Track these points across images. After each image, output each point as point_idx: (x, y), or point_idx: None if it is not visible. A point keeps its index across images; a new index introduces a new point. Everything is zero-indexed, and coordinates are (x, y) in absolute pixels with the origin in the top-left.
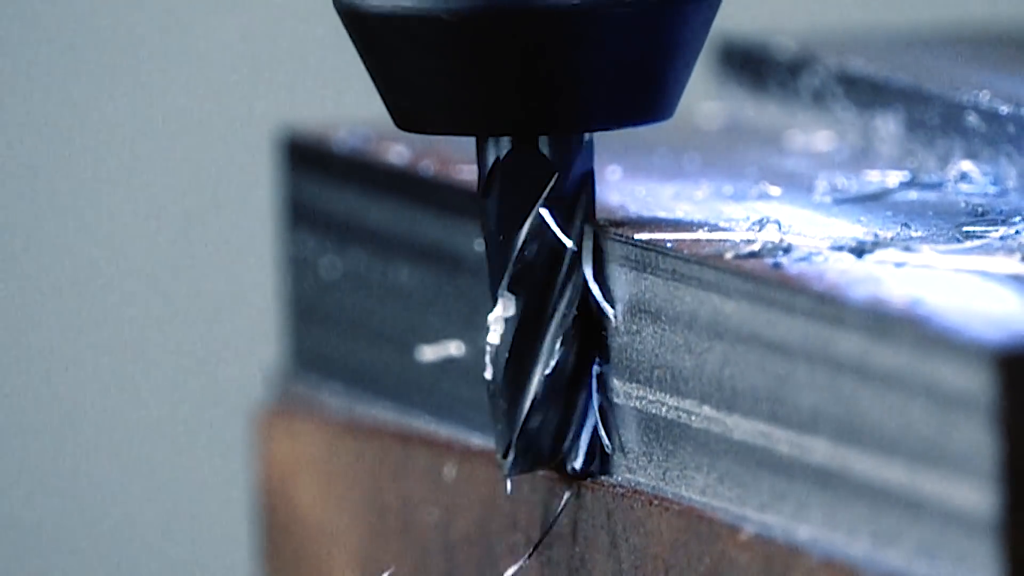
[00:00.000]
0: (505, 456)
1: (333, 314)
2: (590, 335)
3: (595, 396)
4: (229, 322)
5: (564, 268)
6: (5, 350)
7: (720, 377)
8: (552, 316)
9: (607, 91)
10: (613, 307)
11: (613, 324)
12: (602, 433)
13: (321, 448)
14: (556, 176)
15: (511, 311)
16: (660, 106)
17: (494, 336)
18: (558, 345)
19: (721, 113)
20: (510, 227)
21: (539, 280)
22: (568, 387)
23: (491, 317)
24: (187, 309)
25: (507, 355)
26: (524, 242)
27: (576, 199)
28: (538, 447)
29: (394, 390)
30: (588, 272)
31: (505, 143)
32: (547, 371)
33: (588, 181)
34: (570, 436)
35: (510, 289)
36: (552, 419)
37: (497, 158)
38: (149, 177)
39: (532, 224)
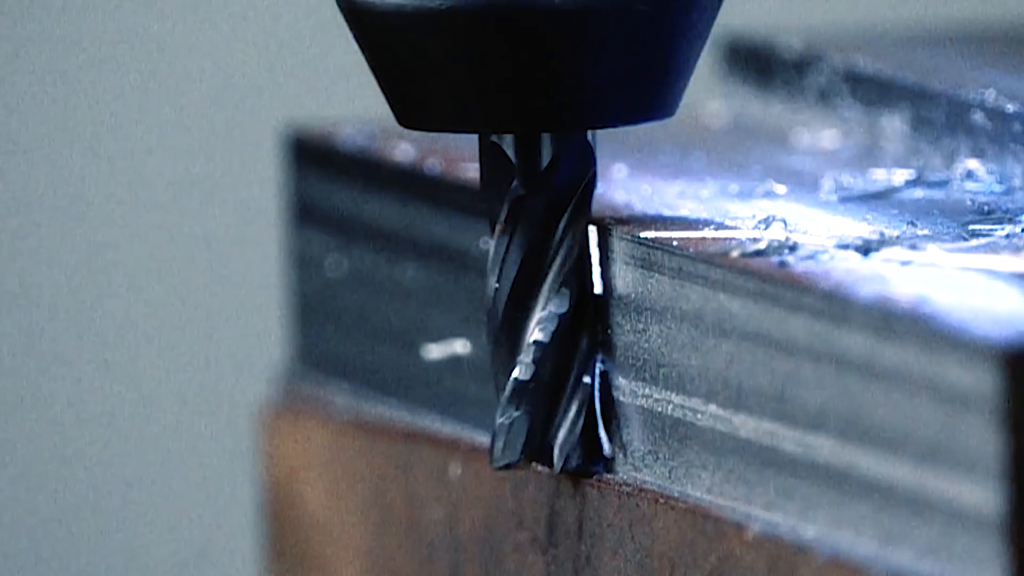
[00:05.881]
0: (529, 457)
1: (339, 312)
2: (592, 331)
3: (597, 394)
4: (235, 320)
5: (558, 261)
6: (11, 350)
7: (726, 375)
8: (592, 313)
9: (610, 89)
10: (616, 306)
11: (613, 325)
12: (602, 432)
13: (327, 446)
14: (594, 169)
15: (563, 307)
16: (662, 104)
17: (541, 334)
18: (535, 338)
19: (727, 111)
20: (554, 224)
21: (584, 276)
22: (551, 382)
23: (540, 315)
24: (193, 308)
25: (557, 354)
26: (573, 238)
27: (578, 197)
28: (516, 440)
29: (400, 388)
30: (596, 270)
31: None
32: (595, 370)
33: (590, 179)
34: (560, 432)
35: (566, 285)
36: (528, 414)
37: (553, 153)
38: (155, 175)
39: (579, 219)
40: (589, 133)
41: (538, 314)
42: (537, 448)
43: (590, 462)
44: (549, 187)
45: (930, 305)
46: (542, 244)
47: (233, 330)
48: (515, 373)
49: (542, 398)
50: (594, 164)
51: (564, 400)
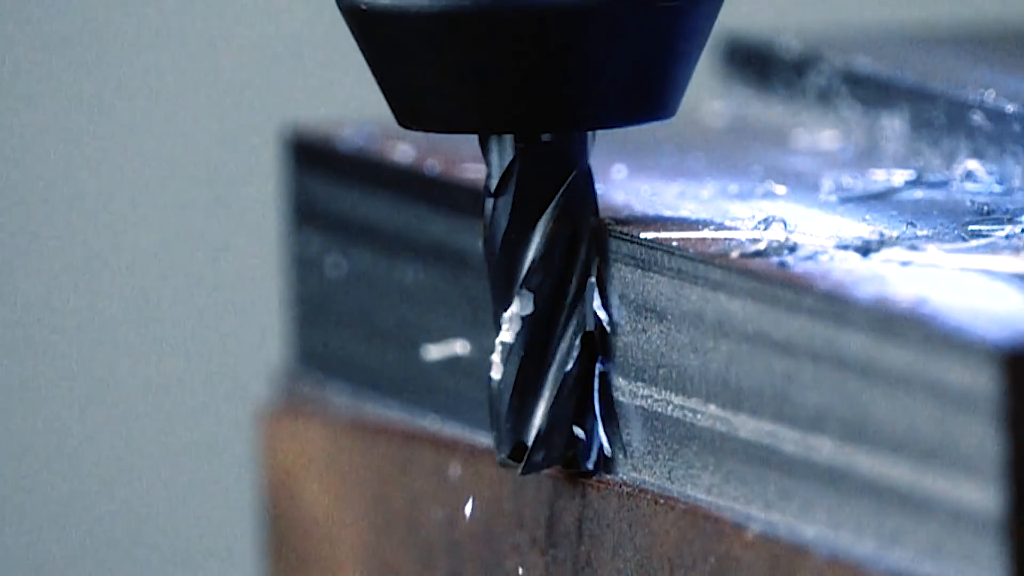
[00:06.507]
0: (511, 456)
1: (338, 313)
2: (567, 332)
3: (597, 394)
4: (234, 321)
5: (578, 266)
6: (10, 350)
7: (726, 376)
8: (567, 314)
9: (610, 89)
10: (613, 309)
11: (613, 326)
12: (602, 432)
13: (326, 447)
14: (574, 173)
15: (527, 309)
16: (662, 104)
17: (507, 335)
18: (574, 343)
19: (726, 112)
20: (525, 224)
21: (554, 278)
22: (521, 382)
23: (506, 315)
24: (193, 308)
25: (522, 354)
26: (541, 240)
27: (554, 199)
28: (552, 446)
29: (399, 389)
30: (592, 272)
31: (515, 140)
32: (565, 370)
33: (573, 183)
34: (531, 431)
35: (527, 287)
36: (566, 418)
37: (515, 155)
38: (154, 176)
39: (548, 220)
40: (589, 134)
41: (573, 320)
42: (518, 447)
43: (576, 463)
44: (513, 189)
45: (929, 306)
46: (513, 245)
47: (233, 330)
48: (490, 372)
49: (514, 397)
50: (573, 167)
51: (537, 400)
